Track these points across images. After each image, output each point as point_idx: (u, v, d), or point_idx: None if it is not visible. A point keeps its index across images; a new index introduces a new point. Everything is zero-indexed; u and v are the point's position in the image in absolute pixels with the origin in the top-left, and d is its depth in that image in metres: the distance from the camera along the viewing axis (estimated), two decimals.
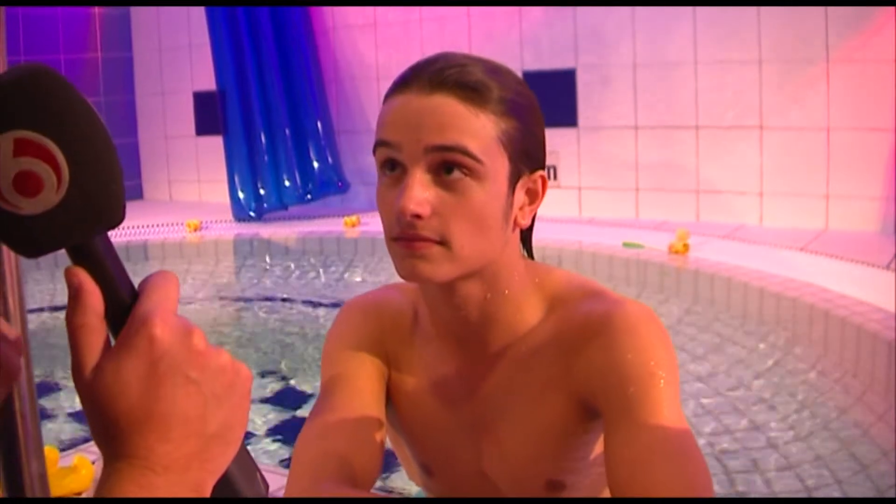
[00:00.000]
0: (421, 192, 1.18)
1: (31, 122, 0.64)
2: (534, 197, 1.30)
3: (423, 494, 1.62)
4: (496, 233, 1.23)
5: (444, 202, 1.19)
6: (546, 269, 1.38)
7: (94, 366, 0.68)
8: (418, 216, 1.18)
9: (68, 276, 0.68)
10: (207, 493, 0.71)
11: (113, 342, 0.70)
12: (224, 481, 0.75)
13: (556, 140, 5.78)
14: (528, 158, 1.25)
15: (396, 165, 1.22)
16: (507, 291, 1.31)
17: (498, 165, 1.21)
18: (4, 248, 0.94)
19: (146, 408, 0.67)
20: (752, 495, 2.73)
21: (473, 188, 1.19)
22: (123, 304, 0.70)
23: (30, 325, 1.00)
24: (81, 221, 0.67)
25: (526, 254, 1.41)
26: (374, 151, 1.24)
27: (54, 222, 0.66)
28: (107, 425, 0.68)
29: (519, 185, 1.25)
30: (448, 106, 1.18)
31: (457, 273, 1.22)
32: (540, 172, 1.29)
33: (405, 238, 1.20)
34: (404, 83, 1.22)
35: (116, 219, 0.68)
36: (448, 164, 1.18)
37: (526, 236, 1.41)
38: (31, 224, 0.65)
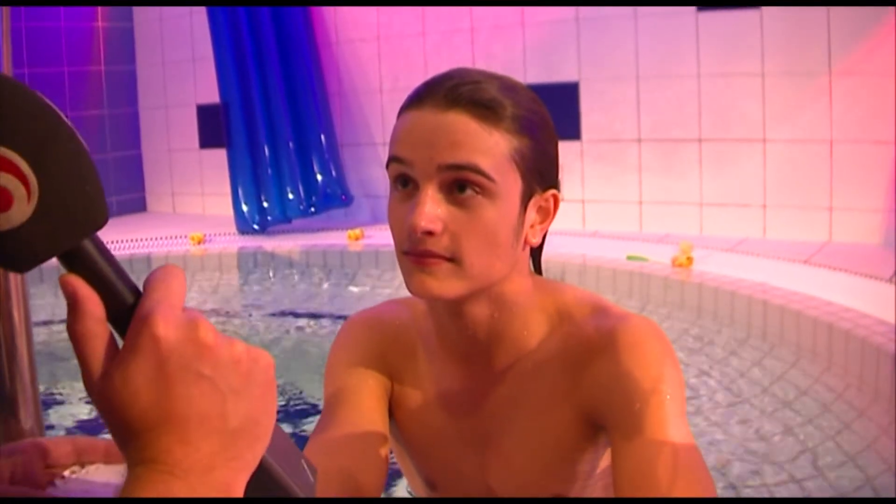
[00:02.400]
0: (433, 209, 1.17)
1: None
2: (545, 215, 1.30)
3: None
4: (507, 251, 1.23)
5: (456, 220, 1.18)
6: (553, 286, 1.38)
7: (101, 372, 0.66)
8: (430, 233, 1.17)
9: (62, 284, 0.66)
10: (238, 492, 0.68)
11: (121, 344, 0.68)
12: (262, 474, 0.72)
13: (560, 153, 5.76)
14: (540, 177, 1.25)
15: (409, 181, 1.21)
16: (514, 309, 1.30)
17: (510, 183, 1.20)
18: None
19: (160, 410, 0.65)
20: None
21: (485, 206, 1.19)
22: (126, 305, 0.68)
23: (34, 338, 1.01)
24: (62, 229, 0.65)
25: (534, 270, 1.41)
26: (387, 166, 1.24)
27: (33, 234, 0.64)
28: (122, 431, 0.66)
29: (531, 203, 1.25)
30: (461, 124, 1.17)
31: (466, 290, 1.22)
32: (552, 191, 1.29)
33: (415, 253, 1.19)
34: (418, 99, 1.22)
35: (98, 220, 0.66)
36: (461, 183, 1.18)
37: (535, 253, 1.41)
38: (10, 239, 0.64)
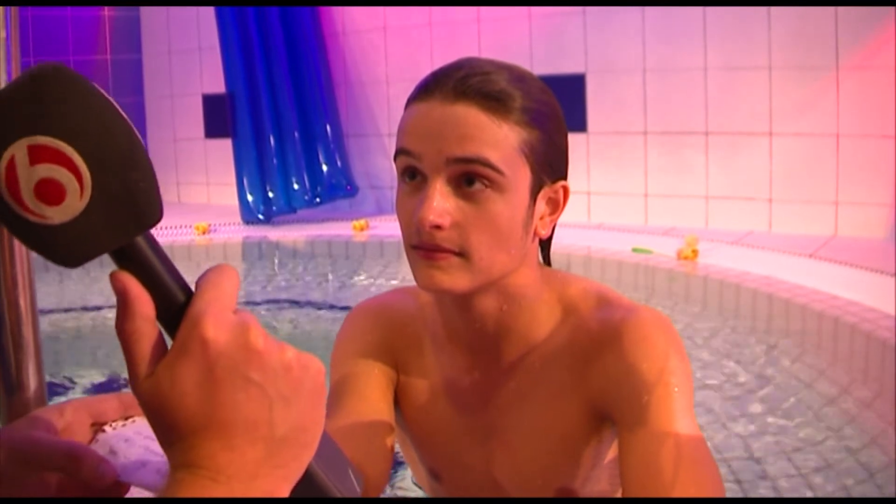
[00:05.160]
0: (441, 203, 1.16)
1: (42, 126, 0.60)
2: (555, 207, 1.29)
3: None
4: (516, 244, 1.22)
5: (465, 213, 1.17)
6: (562, 278, 1.37)
7: (147, 373, 0.65)
8: (438, 227, 1.16)
9: (112, 281, 0.65)
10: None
11: (170, 344, 0.66)
12: (307, 482, 0.70)
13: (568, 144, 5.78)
14: (550, 168, 1.24)
15: (417, 174, 1.20)
16: (523, 302, 1.30)
17: (520, 176, 1.19)
18: (16, 253, 0.94)
19: (206, 415, 0.64)
20: None
21: (494, 199, 1.18)
22: (177, 304, 0.66)
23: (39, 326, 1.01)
24: (115, 224, 0.63)
25: (543, 262, 1.40)
26: (395, 158, 1.23)
27: (85, 229, 0.62)
28: (167, 433, 0.65)
29: (540, 195, 1.24)
30: (470, 116, 1.16)
31: (475, 284, 1.21)
32: (562, 182, 1.28)
33: (424, 247, 1.18)
34: (426, 90, 1.20)
35: (152, 217, 0.65)
36: (469, 176, 1.17)
37: (544, 245, 1.40)
38: (63, 233, 0.62)
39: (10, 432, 0.78)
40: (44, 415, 0.82)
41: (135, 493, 0.81)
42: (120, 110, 0.63)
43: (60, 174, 0.61)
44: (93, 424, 0.83)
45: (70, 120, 0.61)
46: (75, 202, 0.62)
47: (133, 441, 0.82)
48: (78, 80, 0.62)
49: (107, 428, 0.83)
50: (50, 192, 0.61)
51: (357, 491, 0.77)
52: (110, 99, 0.64)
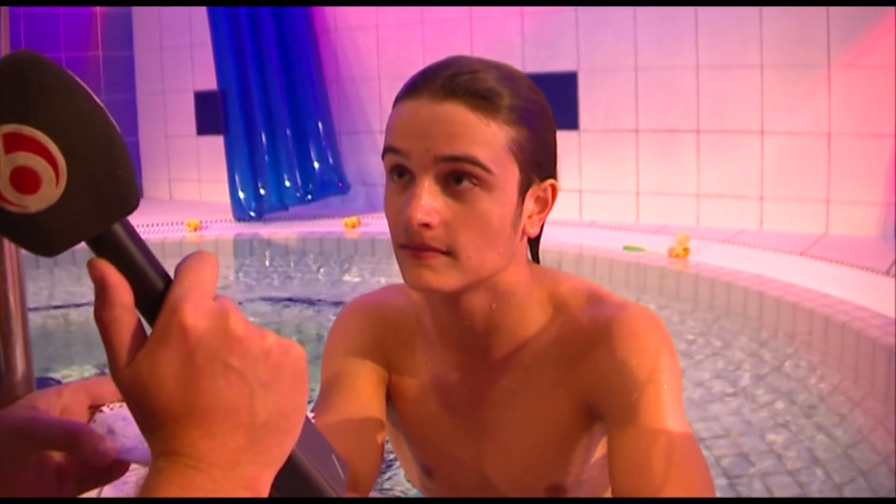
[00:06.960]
0: (429, 202, 1.16)
1: (17, 114, 0.60)
2: (543, 205, 1.29)
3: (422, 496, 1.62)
4: (504, 242, 1.22)
5: (453, 212, 1.17)
6: (551, 275, 1.37)
7: (127, 362, 0.64)
8: (426, 225, 1.16)
9: (90, 269, 0.64)
10: (264, 487, 0.66)
11: (150, 331, 0.66)
12: (290, 469, 0.70)
13: (557, 142, 5.76)
14: (538, 167, 1.24)
15: (405, 172, 1.20)
16: (512, 300, 1.30)
17: (508, 175, 1.19)
18: (6, 247, 0.94)
19: (186, 402, 0.63)
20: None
21: (482, 198, 1.18)
22: (156, 291, 0.66)
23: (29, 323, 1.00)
24: (91, 212, 0.63)
25: (532, 260, 1.40)
26: (383, 156, 1.22)
27: (61, 217, 0.62)
28: (148, 421, 0.64)
29: (529, 193, 1.24)
30: (458, 114, 1.16)
31: (464, 283, 1.21)
32: (550, 181, 1.28)
33: (412, 246, 1.18)
34: (415, 88, 1.20)
35: (129, 205, 0.64)
36: (458, 174, 1.17)
37: (533, 243, 1.40)
38: (39, 222, 0.61)
39: (9, 412, 0.78)
40: (42, 396, 0.81)
41: (129, 491, 0.81)
42: (94, 97, 0.63)
43: (35, 162, 0.61)
44: (90, 407, 0.83)
45: (44, 108, 0.61)
46: (51, 190, 0.61)
47: (130, 420, 0.82)
48: (52, 67, 0.62)
49: (104, 409, 0.83)
50: (25, 180, 0.61)
51: (341, 477, 0.76)
52: (84, 86, 0.63)
